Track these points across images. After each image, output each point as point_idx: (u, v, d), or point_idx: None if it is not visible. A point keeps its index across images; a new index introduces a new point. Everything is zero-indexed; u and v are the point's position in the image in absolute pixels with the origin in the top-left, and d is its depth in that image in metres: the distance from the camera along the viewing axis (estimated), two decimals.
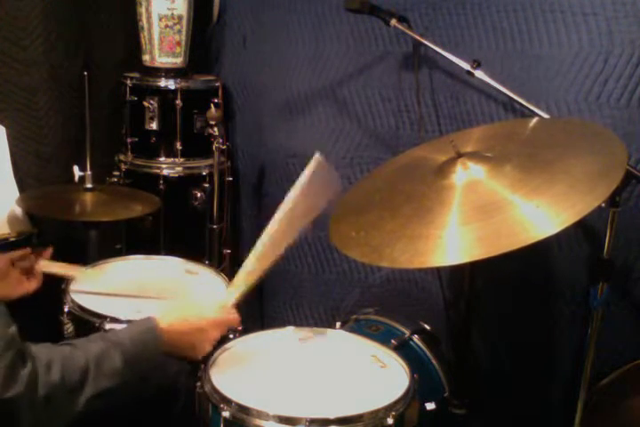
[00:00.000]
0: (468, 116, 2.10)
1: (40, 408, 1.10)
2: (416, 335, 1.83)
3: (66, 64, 2.32)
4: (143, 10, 2.36)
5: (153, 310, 1.38)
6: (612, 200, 1.48)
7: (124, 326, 1.44)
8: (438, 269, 2.19)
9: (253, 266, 1.45)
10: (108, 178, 2.42)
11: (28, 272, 1.69)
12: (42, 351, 1.14)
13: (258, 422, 1.27)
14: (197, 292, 1.78)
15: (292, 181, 2.51)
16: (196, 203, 2.45)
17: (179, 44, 2.42)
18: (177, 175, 2.44)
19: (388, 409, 1.31)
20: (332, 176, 1.55)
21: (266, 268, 1.45)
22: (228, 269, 2.42)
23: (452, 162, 1.53)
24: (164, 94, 2.39)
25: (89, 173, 2.06)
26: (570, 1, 1.87)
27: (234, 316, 1.44)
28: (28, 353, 1.11)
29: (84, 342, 1.23)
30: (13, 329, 1.11)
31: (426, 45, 1.84)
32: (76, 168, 2.07)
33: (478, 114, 2.08)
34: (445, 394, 1.77)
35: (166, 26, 2.38)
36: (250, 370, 1.45)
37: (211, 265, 2.13)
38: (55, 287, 1.73)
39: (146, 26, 2.38)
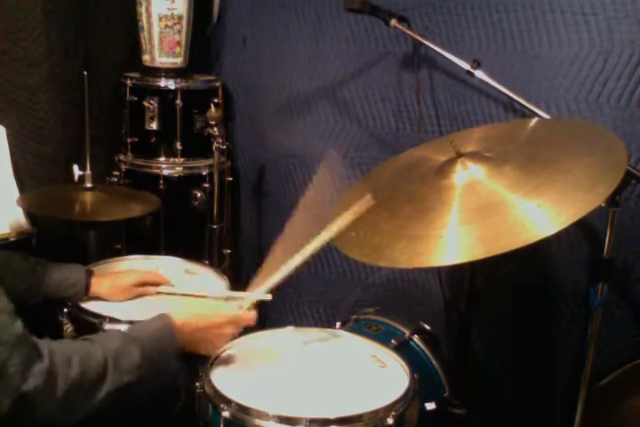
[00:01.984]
0: (468, 116, 2.10)
1: (58, 404, 1.11)
2: (416, 335, 1.83)
3: (66, 64, 2.32)
4: (143, 10, 2.36)
5: (155, 309, 1.39)
6: (612, 200, 1.48)
7: (123, 326, 1.45)
8: (438, 270, 2.19)
9: (271, 271, 1.46)
10: (107, 178, 2.42)
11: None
12: (61, 347, 1.15)
13: (258, 422, 1.27)
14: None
15: (292, 181, 2.54)
16: (196, 203, 2.45)
17: (179, 44, 2.42)
18: (177, 175, 2.44)
19: (387, 409, 1.30)
20: (337, 172, 1.57)
21: (285, 274, 1.45)
22: (228, 269, 2.42)
23: (452, 162, 1.53)
24: (164, 94, 2.39)
25: (89, 172, 2.06)
26: (570, 1, 1.87)
27: (250, 314, 1.44)
28: (43, 348, 1.12)
29: (102, 338, 1.24)
30: (20, 324, 1.11)
31: (426, 45, 1.84)
32: (75, 167, 2.07)
33: (478, 114, 2.08)
34: (445, 394, 1.77)
35: (166, 26, 2.38)
36: (250, 370, 1.45)
37: (211, 265, 2.13)
38: None
39: (146, 26, 2.38)
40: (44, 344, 1.13)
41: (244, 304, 1.45)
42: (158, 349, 1.28)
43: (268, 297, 1.48)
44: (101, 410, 1.17)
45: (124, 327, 1.37)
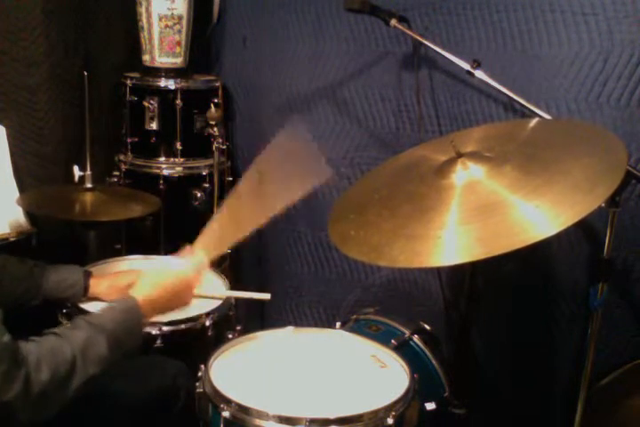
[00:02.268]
0: (468, 116, 2.10)
1: (34, 404, 1.13)
2: (416, 335, 1.83)
3: (66, 64, 2.32)
4: (143, 10, 2.36)
5: None
6: (612, 200, 1.48)
7: None
8: (438, 270, 2.19)
9: (221, 230, 1.49)
10: (107, 178, 2.42)
11: None
12: (30, 350, 1.16)
13: (258, 422, 1.27)
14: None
15: None
16: (196, 203, 2.45)
17: (179, 44, 2.42)
18: (177, 175, 2.44)
19: (387, 409, 1.31)
20: (315, 158, 1.56)
21: (236, 236, 1.48)
22: (228, 269, 2.42)
23: (451, 162, 1.53)
24: (164, 94, 2.39)
25: (89, 173, 2.06)
26: (570, 1, 1.87)
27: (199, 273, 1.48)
28: (20, 357, 1.13)
29: (69, 331, 1.24)
30: (7, 337, 1.13)
31: (426, 45, 1.84)
32: (76, 168, 2.07)
33: (478, 114, 2.08)
34: (445, 394, 1.77)
35: (166, 26, 2.37)
36: (250, 370, 1.45)
37: (211, 265, 2.13)
38: None
39: (146, 26, 2.38)
40: (23, 348, 1.15)
41: (193, 263, 1.47)
42: (126, 332, 1.30)
43: (267, 296, 1.48)
44: (76, 397, 1.19)
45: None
